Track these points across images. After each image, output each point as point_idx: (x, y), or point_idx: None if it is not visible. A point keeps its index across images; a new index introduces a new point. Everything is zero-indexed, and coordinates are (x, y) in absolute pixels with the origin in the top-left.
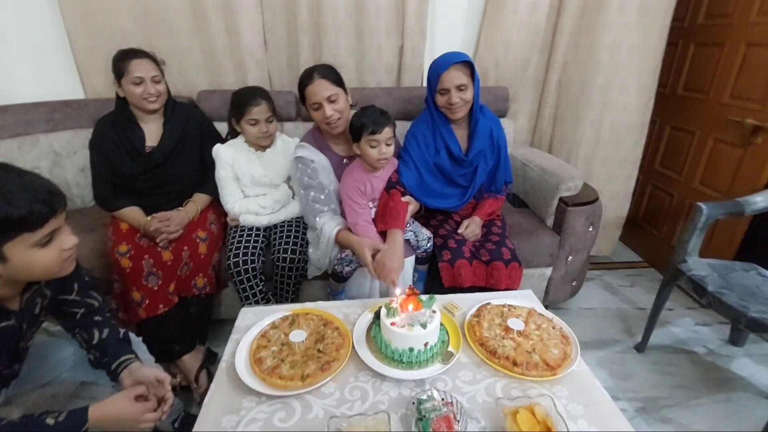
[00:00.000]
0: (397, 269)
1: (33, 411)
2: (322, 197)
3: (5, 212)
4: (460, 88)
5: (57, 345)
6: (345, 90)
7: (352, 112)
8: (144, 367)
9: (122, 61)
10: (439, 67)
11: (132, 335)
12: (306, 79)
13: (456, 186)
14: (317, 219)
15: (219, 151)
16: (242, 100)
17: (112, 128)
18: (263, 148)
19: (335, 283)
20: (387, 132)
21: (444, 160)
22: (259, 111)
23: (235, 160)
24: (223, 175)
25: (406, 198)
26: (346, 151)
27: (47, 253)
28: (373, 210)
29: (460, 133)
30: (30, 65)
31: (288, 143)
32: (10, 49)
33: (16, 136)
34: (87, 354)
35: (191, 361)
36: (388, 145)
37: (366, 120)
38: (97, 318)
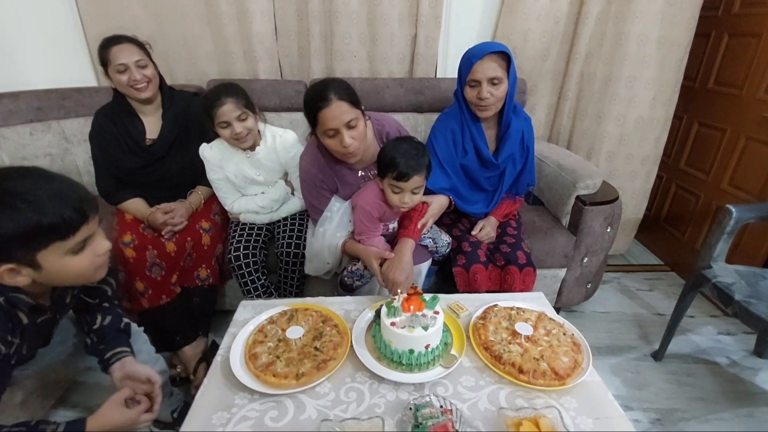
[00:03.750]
0: (402, 282)
1: (34, 395)
2: (332, 227)
3: (35, 221)
4: (493, 81)
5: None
6: (362, 110)
7: (367, 122)
8: (137, 363)
9: (104, 49)
10: (472, 56)
11: (133, 325)
12: (319, 100)
13: (481, 190)
14: (320, 229)
15: (205, 152)
16: (206, 103)
17: (111, 121)
18: (251, 147)
19: (342, 291)
20: (416, 181)
21: (471, 161)
22: (225, 112)
23: (223, 162)
24: (214, 177)
25: (426, 198)
26: (364, 162)
27: (81, 260)
28: (392, 226)
29: (489, 133)
30: (44, 52)
31: (278, 136)
32: (25, 35)
33: (29, 123)
34: (86, 337)
35: (192, 352)
36: (414, 193)
37: (398, 158)
38: (105, 304)
